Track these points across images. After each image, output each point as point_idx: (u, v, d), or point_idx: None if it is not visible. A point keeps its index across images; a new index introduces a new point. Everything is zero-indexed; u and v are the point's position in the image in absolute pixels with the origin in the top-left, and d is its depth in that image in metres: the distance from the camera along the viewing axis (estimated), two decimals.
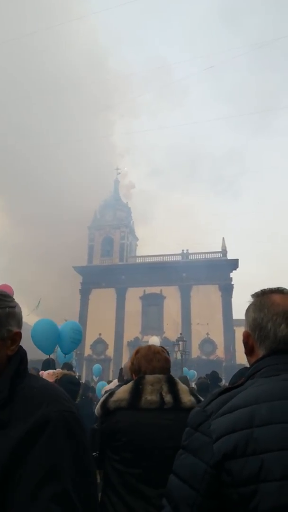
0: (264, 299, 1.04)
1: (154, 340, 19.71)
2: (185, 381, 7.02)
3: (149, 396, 1.76)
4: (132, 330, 35.81)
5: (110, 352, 36.38)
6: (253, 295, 1.08)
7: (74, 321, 8.34)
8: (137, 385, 1.80)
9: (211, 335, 34.22)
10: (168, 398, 1.77)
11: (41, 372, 4.30)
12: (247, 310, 1.06)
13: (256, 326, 1.01)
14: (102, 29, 74.98)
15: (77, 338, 7.41)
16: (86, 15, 50.60)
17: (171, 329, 33.84)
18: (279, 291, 1.05)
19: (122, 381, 4.16)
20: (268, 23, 78.11)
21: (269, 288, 1.07)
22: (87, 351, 35.99)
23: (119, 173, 46.25)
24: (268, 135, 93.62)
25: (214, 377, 7.31)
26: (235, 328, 34.89)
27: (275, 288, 1.06)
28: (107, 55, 75.88)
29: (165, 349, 2.71)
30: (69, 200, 43.41)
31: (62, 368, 5.91)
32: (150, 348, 2.03)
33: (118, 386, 4.25)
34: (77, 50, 54.85)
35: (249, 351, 1.04)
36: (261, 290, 1.07)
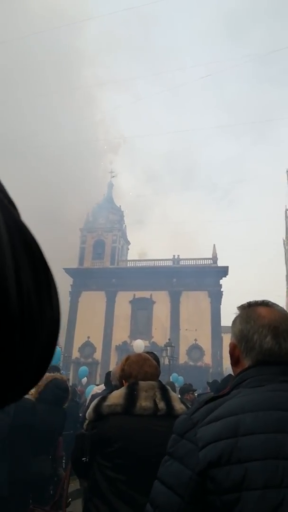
0: (250, 311, 1.07)
1: (139, 344, 19.61)
2: (172, 387, 7.03)
3: (144, 402, 1.75)
4: (121, 334, 35.69)
5: (98, 355, 36.18)
6: (239, 308, 1.10)
7: None
8: (131, 391, 1.79)
9: (199, 341, 34.27)
10: (161, 405, 1.77)
11: None
12: (234, 322, 1.09)
13: (242, 337, 1.04)
14: (103, 33, 75.44)
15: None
16: (90, 18, 50.85)
17: (160, 334, 33.81)
18: (264, 304, 1.08)
19: (110, 386, 4.15)
20: (270, 35, 78.97)
21: (255, 301, 1.10)
22: (75, 353, 35.75)
23: (113, 176, 46.36)
24: (265, 145, 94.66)
25: (215, 386, 7.24)
26: (223, 335, 35.00)
27: (260, 301, 1.09)
28: (107, 59, 76.30)
29: (155, 354, 2.74)
30: (62, 201, 43.35)
31: (48, 371, 5.86)
32: (140, 355, 2.05)
33: (105, 391, 4.26)
34: (75, 54, 55.02)
35: (235, 361, 1.06)
36: (247, 303, 1.10)
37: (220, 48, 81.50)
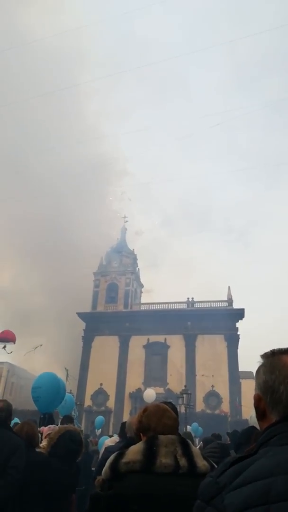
0: (274, 360, 1.00)
1: (150, 393, 18.86)
2: (189, 437, 6.63)
3: (164, 459, 1.62)
4: (135, 381, 34.70)
5: (111, 403, 35.02)
6: (262, 356, 1.04)
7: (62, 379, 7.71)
8: (150, 446, 1.66)
9: (216, 388, 33.01)
10: (183, 461, 1.63)
11: (41, 428, 4.05)
12: (257, 372, 1.03)
13: (267, 389, 0.97)
14: (121, 87, 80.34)
15: (63, 399, 7.16)
16: (107, 75, 54.48)
17: (175, 380, 32.77)
18: None
19: (124, 438, 3.96)
20: (282, 82, 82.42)
21: (279, 349, 1.04)
22: (87, 401, 34.70)
23: (127, 221, 47.35)
24: (279, 189, 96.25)
25: (235, 437, 6.71)
26: (241, 380, 33.73)
27: (285, 349, 1.03)
28: (120, 110, 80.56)
29: (173, 404, 2.62)
30: (76, 246, 44.07)
31: (62, 422, 5.66)
32: (158, 406, 1.94)
33: (120, 443, 4.06)
34: (88, 108, 58.48)
35: (260, 415, 0.99)
36: (271, 351, 1.04)
37: (233, 96, 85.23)
